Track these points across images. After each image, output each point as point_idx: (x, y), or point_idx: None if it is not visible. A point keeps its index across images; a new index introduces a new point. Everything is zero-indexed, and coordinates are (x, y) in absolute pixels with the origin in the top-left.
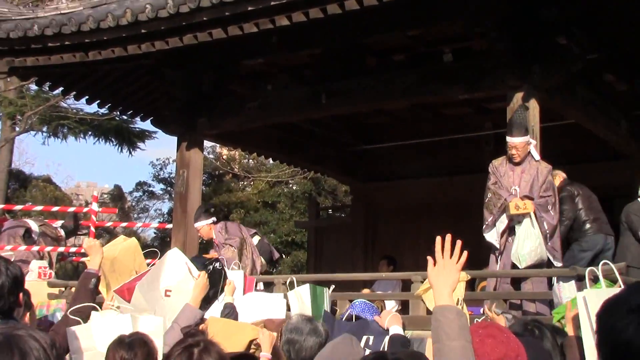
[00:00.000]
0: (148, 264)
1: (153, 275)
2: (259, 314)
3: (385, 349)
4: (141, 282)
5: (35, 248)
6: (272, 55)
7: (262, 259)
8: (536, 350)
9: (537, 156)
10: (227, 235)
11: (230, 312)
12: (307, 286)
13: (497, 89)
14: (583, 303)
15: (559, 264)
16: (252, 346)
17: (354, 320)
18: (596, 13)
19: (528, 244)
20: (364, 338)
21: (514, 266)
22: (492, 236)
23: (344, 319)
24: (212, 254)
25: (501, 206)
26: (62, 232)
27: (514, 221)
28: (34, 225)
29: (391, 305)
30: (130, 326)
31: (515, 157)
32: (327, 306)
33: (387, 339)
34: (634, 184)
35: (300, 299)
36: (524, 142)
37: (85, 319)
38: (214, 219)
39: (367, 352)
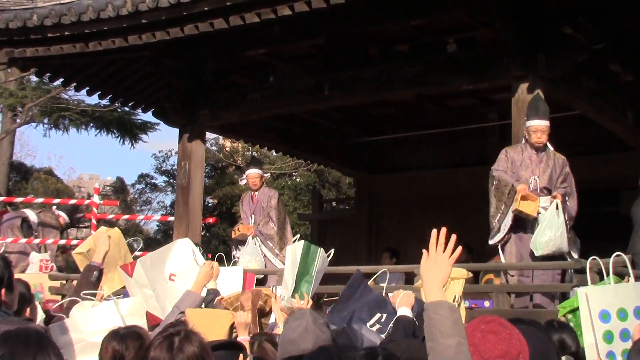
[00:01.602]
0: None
1: (159, 256)
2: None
3: (391, 326)
4: (143, 259)
5: (37, 241)
6: (274, 45)
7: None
8: (539, 341)
9: (550, 147)
10: (275, 205)
11: (213, 297)
12: (302, 242)
13: (501, 79)
14: (585, 300)
15: (576, 256)
16: (234, 330)
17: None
18: (602, 2)
19: (548, 233)
20: (377, 315)
21: (532, 253)
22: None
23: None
24: (251, 229)
25: (509, 193)
26: (63, 215)
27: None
28: (31, 215)
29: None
30: (115, 311)
31: (540, 141)
32: (318, 266)
33: (394, 319)
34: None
35: (293, 253)
36: (548, 126)
37: None
38: (267, 174)
39: (377, 326)
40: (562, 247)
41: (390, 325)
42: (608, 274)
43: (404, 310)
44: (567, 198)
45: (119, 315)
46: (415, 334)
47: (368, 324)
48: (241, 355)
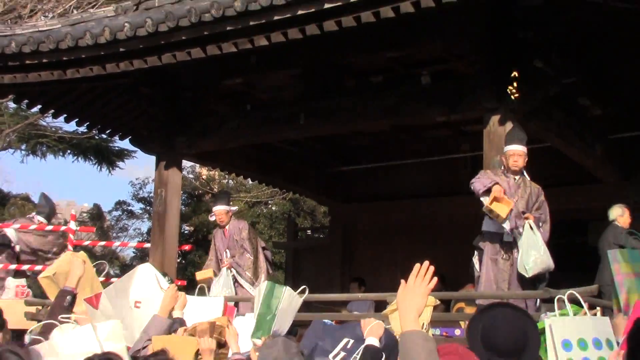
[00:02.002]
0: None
1: (122, 285)
2: (199, 317)
3: (356, 356)
4: (108, 289)
5: (13, 266)
6: (250, 75)
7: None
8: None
9: (527, 176)
10: (246, 237)
11: (179, 326)
12: (265, 283)
13: (474, 111)
14: (549, 329)
15: (544, 284)
16: (199, 356)
17: None
18: (572, 37)
19: (533, 253)
20: (345, 340)
21: (520, 276)
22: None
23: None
24: (227, 261)
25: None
26: (39, 219)
27: (513, 233)
28: (10, 232)
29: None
30: (92, 335)
31: (519, 165)
32: (283, 304)
33: (361, 348)
34: (608, 207)
35: (257, 295)
36: (525, 152)
37: None
38: (236, 208)
39: (341, 354)
40: (549, 264)
41: (357, 354)
42: (567, 306)
43: (372, 340)
44: (540, 224)
45: (96, 340)
46: None
47: (331, 355)
48: None
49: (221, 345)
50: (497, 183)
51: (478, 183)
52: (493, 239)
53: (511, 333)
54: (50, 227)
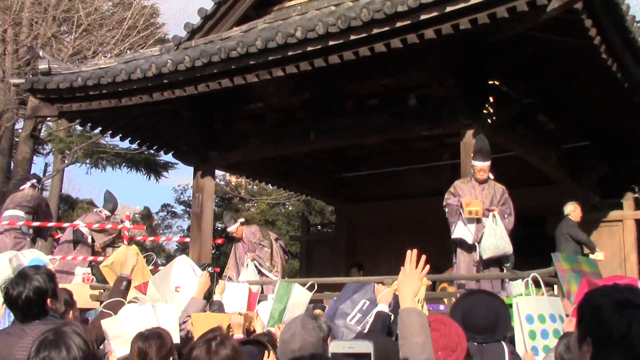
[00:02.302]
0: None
1: (164, 274)
2: (230, 300)
3: (371, 320)
4: (153, 278)
5: (80, 258)
6: (269, 100)
7: (284, 259)
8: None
9: (491, 176)
10: (260, 237)
11: (218, 308)
12: (278, 283)
13: (452, 126)
14: (516, 307)
15: (510, 267)
16: (230, 331)
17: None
18: (530, 66)
19: (490, 240)
20: (361, 302)
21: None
22: (458, 233)
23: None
24: (250, 254)
25: (455, 213)
26: (105, 212)
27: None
28: (83, 229)
29: None
30: (151, 313)
31: (484, 177)
32: (293, 298)
33: (375, 311)
34: (562, 204)
35: (273, 293)
36: (489, 165)
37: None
38: (242, 220)
39: (358, 316)
40: (505, 250)
41: (369, 317)
42: (530, 286)
43: (383, 306)
44: (506, 216)
45: (155, 318)
46: (391, 327)
47: (348, 318)
48: (265, 351)
49: (250, 333)
50: (461, 197)
51: (450, 206)
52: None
53: (485, 315)
54: (109, 225)
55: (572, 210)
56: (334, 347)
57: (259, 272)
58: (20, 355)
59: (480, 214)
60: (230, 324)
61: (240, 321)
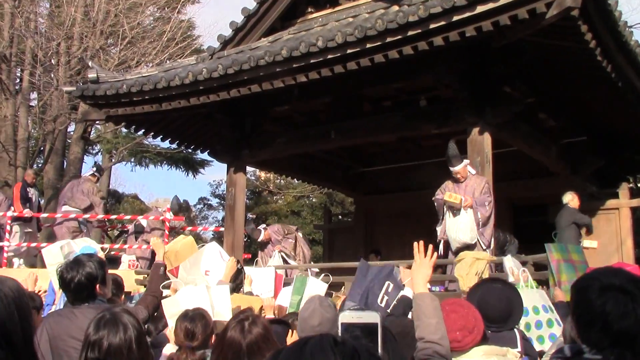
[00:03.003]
0: None
1: (195, 259)
2: (258, 283)
3: (395, 303)
4: (184, 263)
5: (135, 246)
6: (294, 103)
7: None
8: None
9: (473, 171)
10: (285, 232)
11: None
12: (295, 277)
13: (459, 125)
14: None
15: (483, 247)
16: (262, 312)
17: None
18: (531, 68)
19: (451, 234)
20: (386, 284)
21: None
22: (438, 227)
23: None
24: (277, 246)
25: (440, 207)
26: (168, 215)
27: (449, 212)
28: (143, 222)
29: None
30: (205, 294)
31: (460, 179)
32: (310, 288)
33: (399, 295)
34: (561, 194)
35: (291, 287)
36: (463, 167)
37: (159, 295)
38: (264, 225)
39: (385, 298)
40: (465, 242)
41: (394, 301)
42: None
43: (408, 291)
44: (486, 203)
45: (209, 299)
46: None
47: (378, 299)
48: (289, 330)
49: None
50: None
51: (437, 200)
52: None
53: (498, 305)
54: (152, 217)
55: (571, 200)
56: (343, 317)
57: (285, 262)
58: (76, 334)
59: (458, 206)
60: (262, 306)
61: (272, 303)
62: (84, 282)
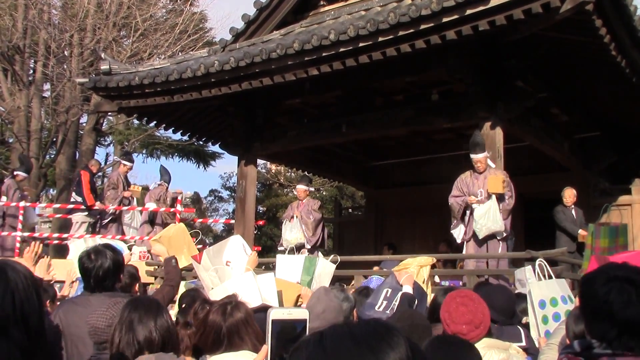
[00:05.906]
0: (195, 243)
1: (218, 248)
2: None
3: (397, 303)
4: (207, 250)
5: (146, 237)
6: (305, 96)
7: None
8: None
9: (492, 165)
10: (317, 208)
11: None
12: (302, 257)
13: (471, 119)
14: (529, 293)
15: (502, 237)
16: (299, 300)
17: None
18: (543, 63)
19: (482, 221)
20: (384, 291)
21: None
22: (455, 232)
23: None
24: (301, 214)
25: (459, 211)
26: (164, 184)
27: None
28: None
29: None
30: (253, 282)
31: (480, 169)
32: (319, 269)
33: (399, 294)
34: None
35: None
36: (485, 157)
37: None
38: (312, 189)
39: (384, 303)
40: (495, 230)
41: (396, 300)
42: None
43: (408, 288)
44: (506, 198)
45: (256, 286)
46: (416, 308)
47: (376, 307)
48: None
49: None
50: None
51: (453, 205)
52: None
53: (503, 299)
54: (163, 209)
55: (563, 197)
56: (274, 314)
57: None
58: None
59: (503, 188)
60: (300, 294)
61: (309, 293)
62: (113, 270)
